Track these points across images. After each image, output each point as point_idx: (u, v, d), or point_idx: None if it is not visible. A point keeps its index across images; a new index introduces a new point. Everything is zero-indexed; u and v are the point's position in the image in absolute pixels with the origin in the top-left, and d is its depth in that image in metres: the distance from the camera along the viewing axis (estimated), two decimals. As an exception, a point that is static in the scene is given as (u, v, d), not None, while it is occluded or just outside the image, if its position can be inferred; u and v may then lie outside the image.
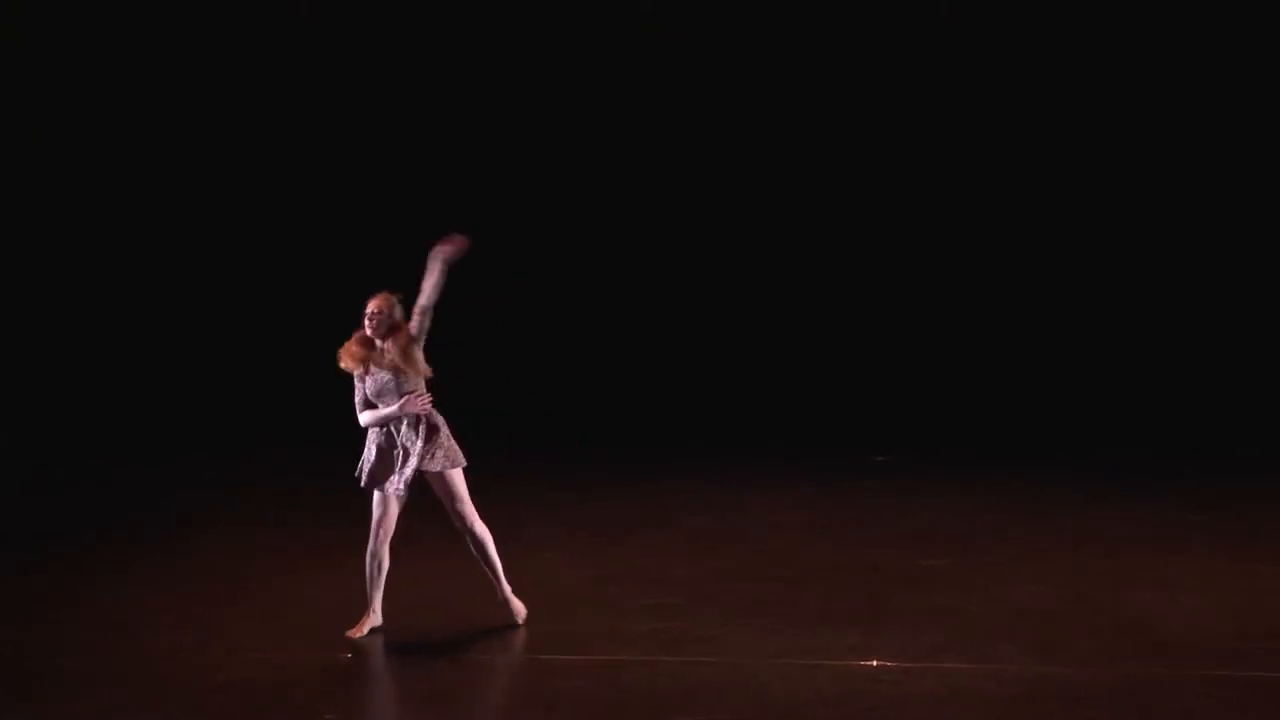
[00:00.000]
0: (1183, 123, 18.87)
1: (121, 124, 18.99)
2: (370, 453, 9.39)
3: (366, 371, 9.28)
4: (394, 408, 9.22)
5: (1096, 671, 8.91)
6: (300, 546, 12.17)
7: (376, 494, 9.43)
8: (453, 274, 9.14)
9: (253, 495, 14.27)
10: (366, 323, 9.23)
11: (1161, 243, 19.00)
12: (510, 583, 9.71)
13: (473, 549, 9.44)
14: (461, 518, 9.39)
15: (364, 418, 9.34)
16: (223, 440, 17.25)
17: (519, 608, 9.65)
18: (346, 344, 9.33)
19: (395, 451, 9.33)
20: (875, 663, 9.06)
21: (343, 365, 9.34)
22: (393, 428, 9.33)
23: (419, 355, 9.26)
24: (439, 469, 9.32)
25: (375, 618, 9.58)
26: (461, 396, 9.94)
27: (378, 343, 9.26)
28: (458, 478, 9.40)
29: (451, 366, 9.67)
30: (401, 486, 9.32)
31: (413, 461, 9.28)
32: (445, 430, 9.38)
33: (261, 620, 10.13)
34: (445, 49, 19.28)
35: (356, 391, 9.36)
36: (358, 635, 9.50)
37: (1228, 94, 18.75)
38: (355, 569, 11.06)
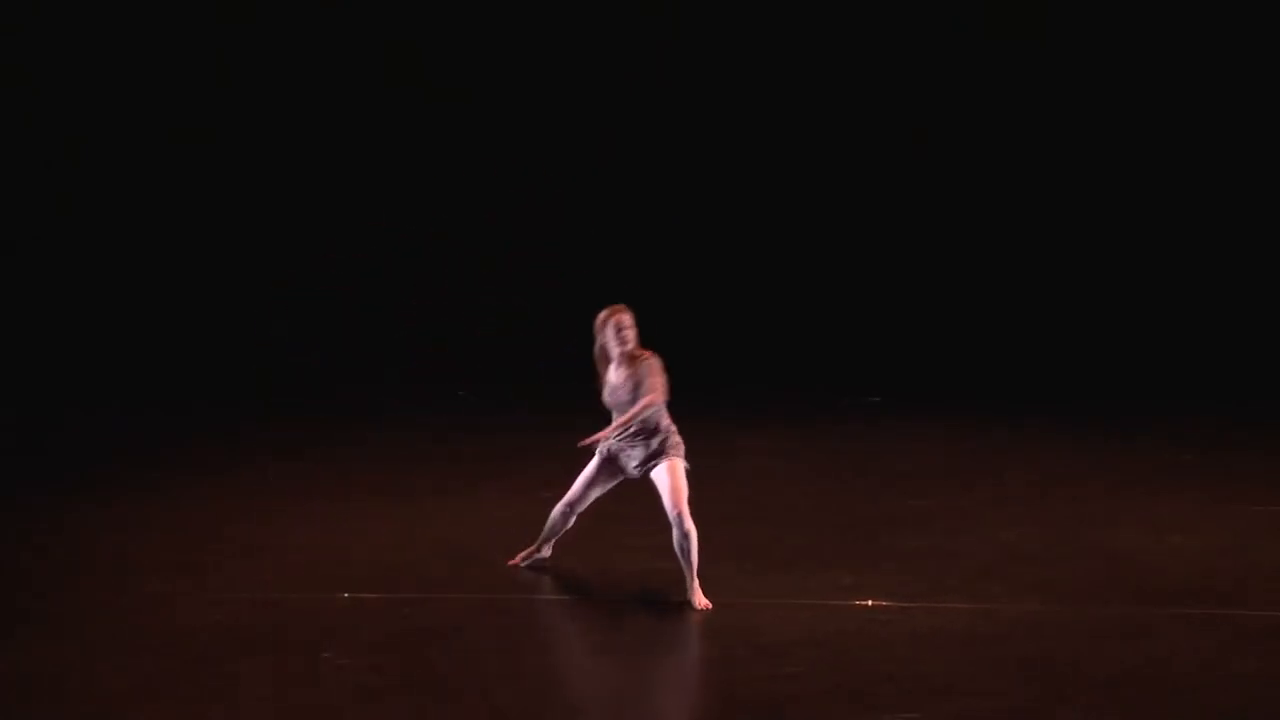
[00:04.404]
0: (1163, 84, 18.94)
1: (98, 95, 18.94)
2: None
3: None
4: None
5: (1084, 610, 9.02)
6: (279, 491, 12.19)
7: (600, 458, 9.55)
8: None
9: (227, 443, 14.30)
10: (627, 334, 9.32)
11: (1150, 188, 19.06)
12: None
13: (675, 541, 9.21)
14: (674, 508, 9.22)
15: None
16: (195, 390, 17.29)
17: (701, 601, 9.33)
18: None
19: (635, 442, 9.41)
20: (869, 602, 9.16)
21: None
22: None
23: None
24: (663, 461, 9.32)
25: (544, 551, 9.89)
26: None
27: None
28: (678, 469, 9.31)
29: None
30: (635, 471, 9.45)
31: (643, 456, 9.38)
32: (666, 424, 9.36)
33: (247, 563, 10.13)
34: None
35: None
36: (519, 563, 9.86)
37: (1211, 52, 18.80)
38: (334, 511, 11.16)
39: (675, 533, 9.12)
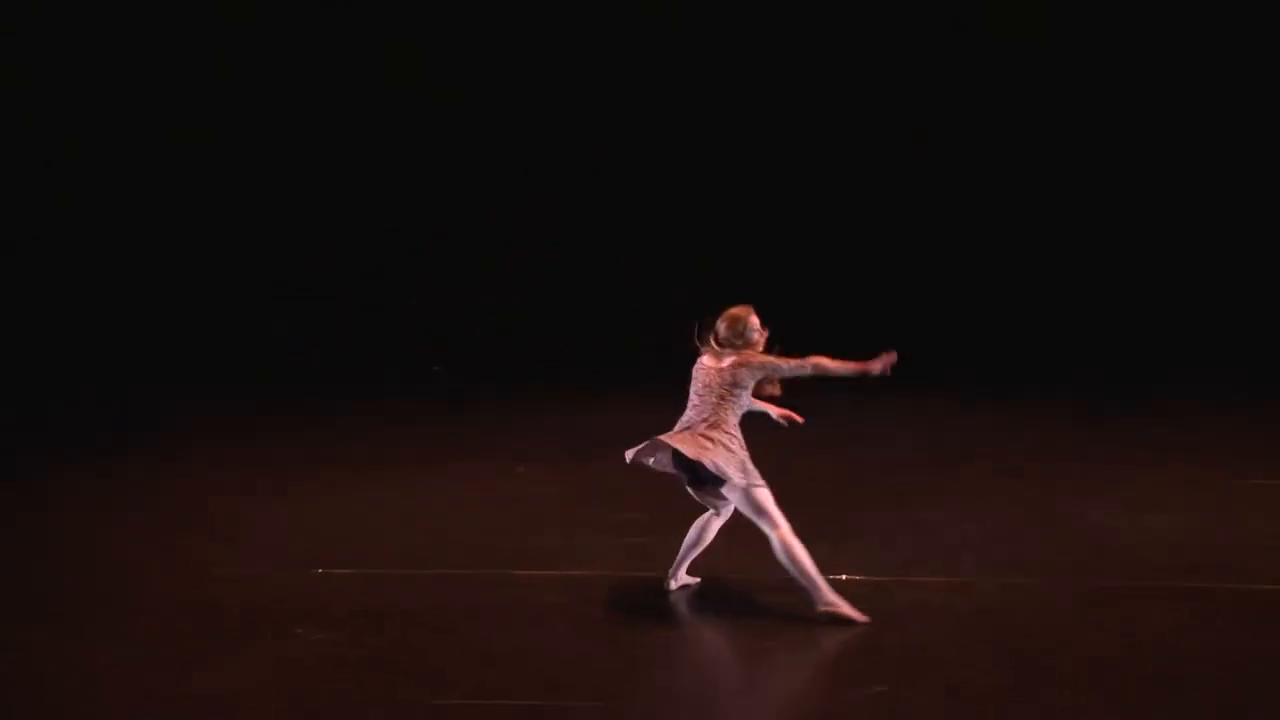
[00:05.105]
0: (1161, 84, 18.89)
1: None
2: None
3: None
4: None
5: (1061, 584, 8.96)
6: (254, 470, 12.14)
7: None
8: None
9: (203, 423, 14.23)
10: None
11: (1136, 168, 18.96)
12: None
13: (694, 528, 9.04)
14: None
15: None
16: (169, 370, 17.24)
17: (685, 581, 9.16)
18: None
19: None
20: (844, 577, 9.08)
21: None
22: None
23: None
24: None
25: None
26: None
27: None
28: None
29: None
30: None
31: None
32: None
33: (223, 541, 10.10)
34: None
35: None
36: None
37: (1210, 52, 18.75)
38: (307, 488, 11.07)
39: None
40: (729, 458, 8.53)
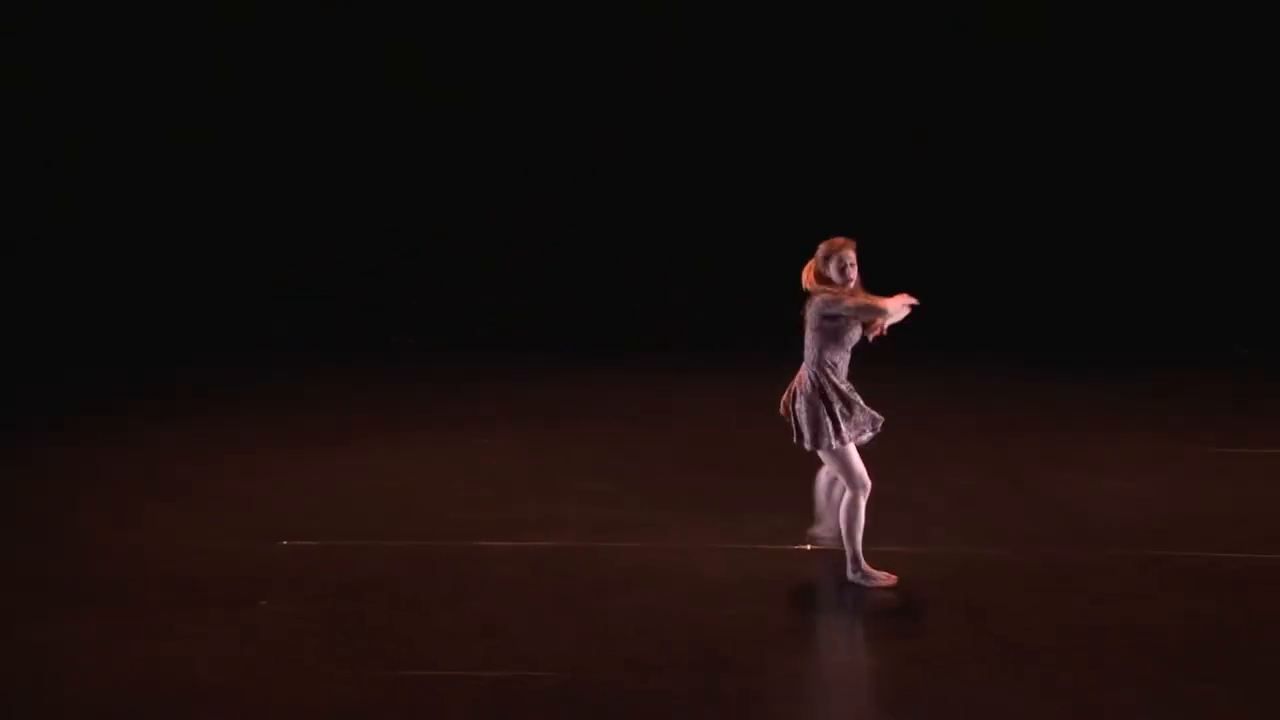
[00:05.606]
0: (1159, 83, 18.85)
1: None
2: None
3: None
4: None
5: (1026, 553, 8.93)
6: (219, 442, 11.96)
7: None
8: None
9: (170, 394, 14.07)
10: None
11: (1117, 140, 18.86)
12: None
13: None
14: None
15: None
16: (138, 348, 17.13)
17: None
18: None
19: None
20: (809, 547, 9.05)
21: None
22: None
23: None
24: None
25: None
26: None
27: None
28: None
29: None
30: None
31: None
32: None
33: (188, 513, 10.03)
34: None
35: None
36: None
37: (1209, 51, 18.70)
38: (273, 459, 11.11)
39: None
40: (805, 413, 8.42)
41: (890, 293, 8.52)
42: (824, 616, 8.25)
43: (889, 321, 8.50)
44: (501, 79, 19.49)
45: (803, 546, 9.02)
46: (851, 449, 8.48)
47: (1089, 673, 7.41)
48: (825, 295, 8.41)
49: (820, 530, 8.94)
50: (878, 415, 8.59)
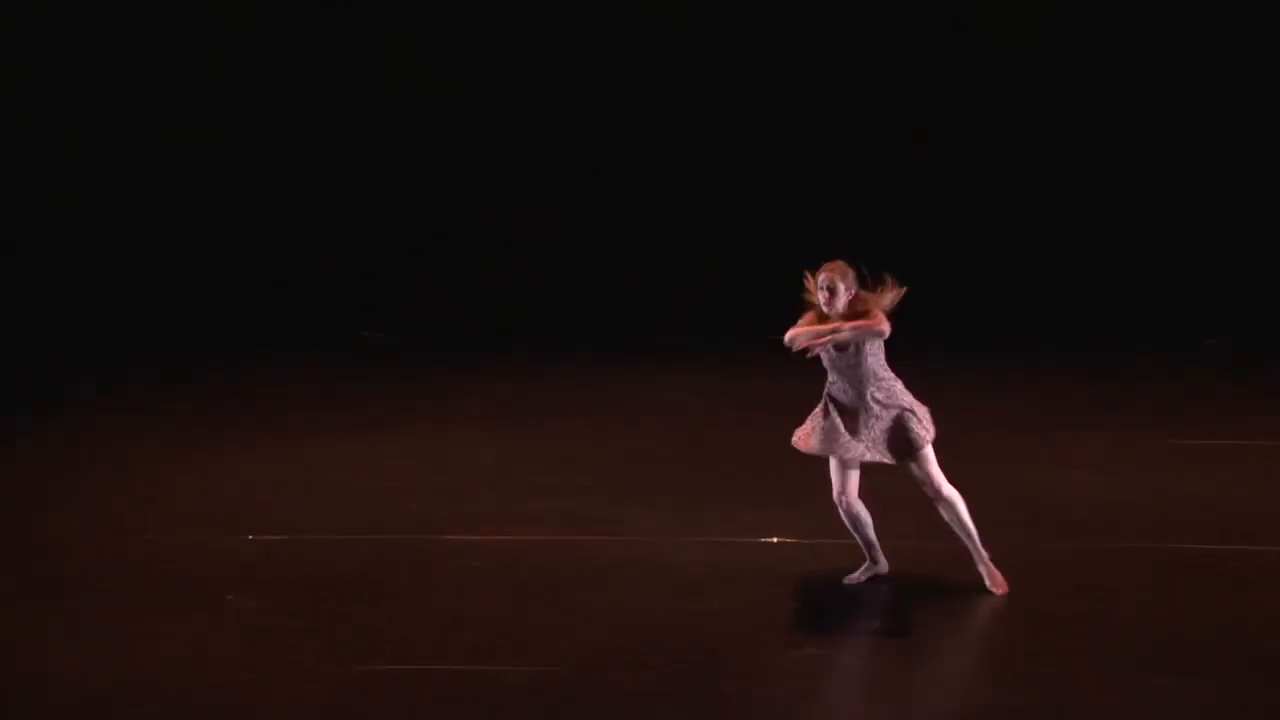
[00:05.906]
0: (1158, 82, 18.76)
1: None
2: None
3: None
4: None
5: (992, 545, 8.83)
6: (184, 436, 11.92)
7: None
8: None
9: (138, 388, 14.09)
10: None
11: (1102, 136, 18.77)
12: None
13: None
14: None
15: None
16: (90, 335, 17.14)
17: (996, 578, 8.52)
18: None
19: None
20: (775, 539, 9.01)
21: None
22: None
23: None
24: None
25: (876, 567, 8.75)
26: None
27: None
28: None
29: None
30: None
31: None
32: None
33: (153, 507, 10.02)
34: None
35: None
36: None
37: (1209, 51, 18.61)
38: (239, 454, 11.07)
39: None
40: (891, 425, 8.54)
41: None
42: (794, 608, 8.21)
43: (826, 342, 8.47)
44: (501, 79, 19.48)
45: (769, 539, 8.99)
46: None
47: (1057, 663, 7.38)
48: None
49: (858, 575, 8.61)
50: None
